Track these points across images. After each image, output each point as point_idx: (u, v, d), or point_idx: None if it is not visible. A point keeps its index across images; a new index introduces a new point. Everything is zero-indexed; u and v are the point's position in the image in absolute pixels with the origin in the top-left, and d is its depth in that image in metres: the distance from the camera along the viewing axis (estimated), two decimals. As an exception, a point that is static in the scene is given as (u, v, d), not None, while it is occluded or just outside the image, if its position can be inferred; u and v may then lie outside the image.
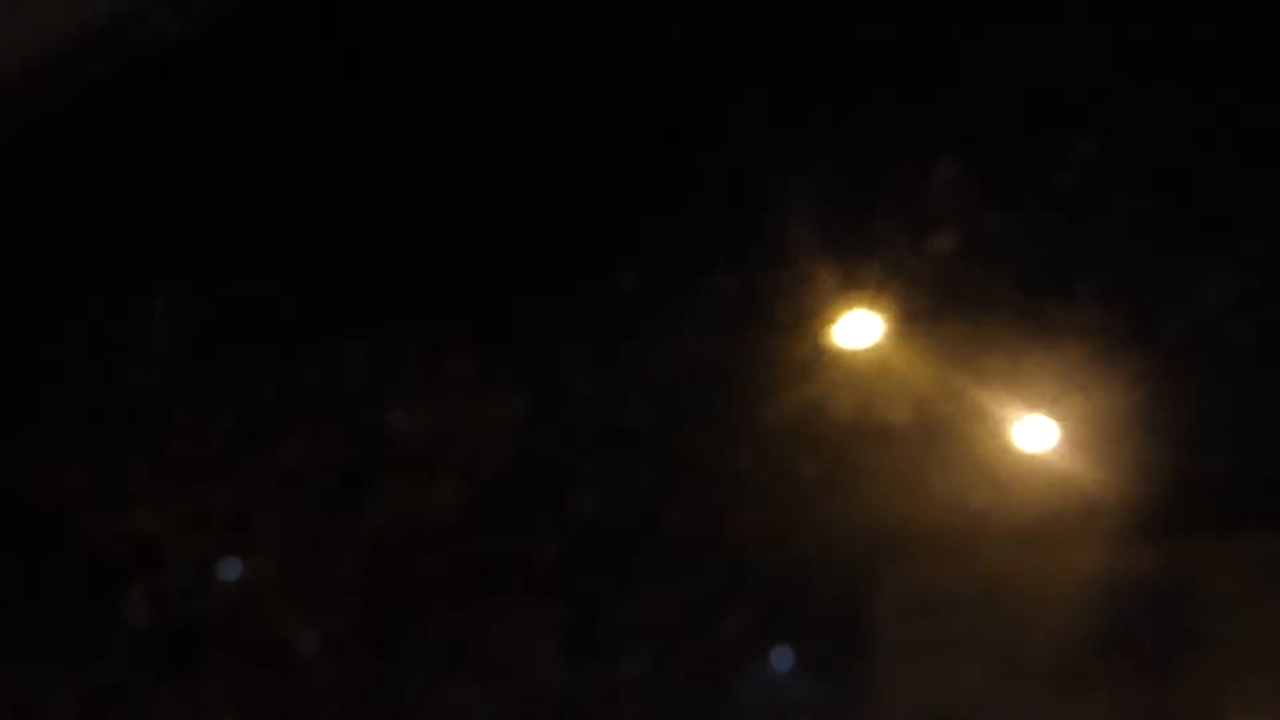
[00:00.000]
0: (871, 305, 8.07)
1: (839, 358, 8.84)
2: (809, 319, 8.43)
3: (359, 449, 6.69)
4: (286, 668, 6.80)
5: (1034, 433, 10.18)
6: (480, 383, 6.90)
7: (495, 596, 7.31)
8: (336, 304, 7.98)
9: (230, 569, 6.55)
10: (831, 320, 8.29)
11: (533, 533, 7.97)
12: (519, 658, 7.65)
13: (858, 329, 8.56)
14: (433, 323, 7.11)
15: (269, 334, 7.45)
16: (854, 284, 8.14)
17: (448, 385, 6.87)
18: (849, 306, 8.04)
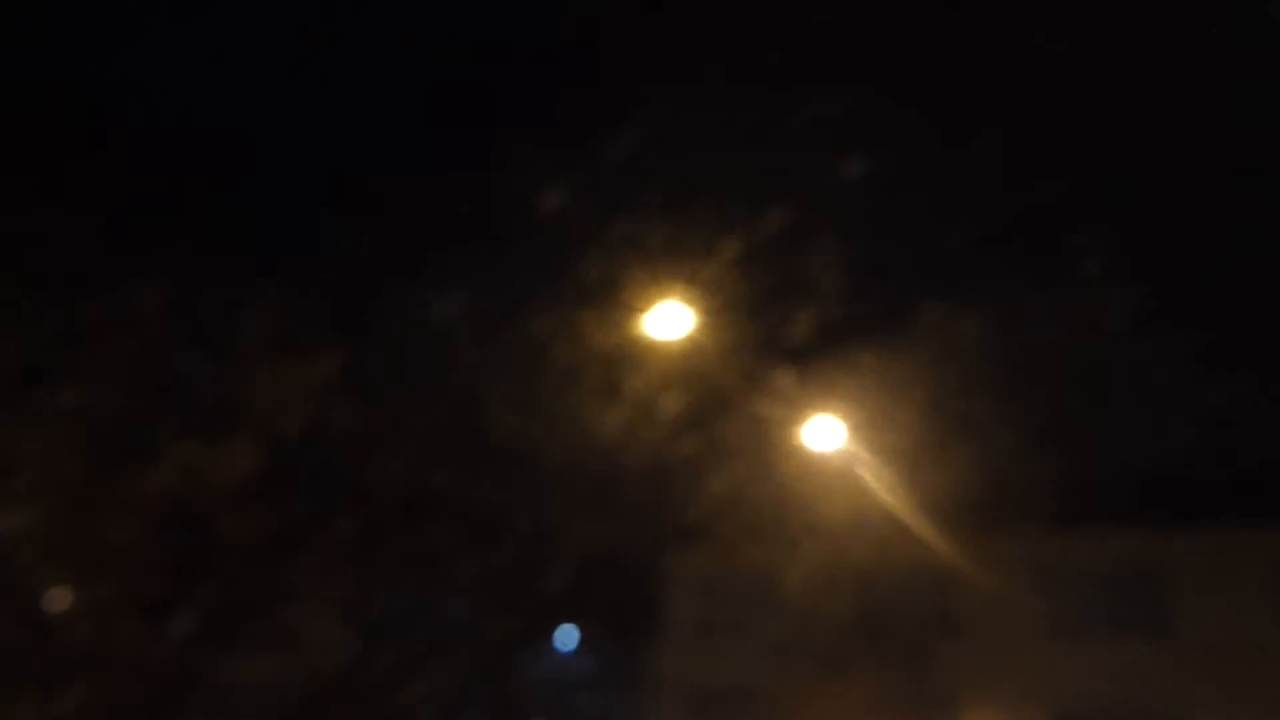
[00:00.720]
0: (680, 299, 8.24)
1: (644, 349, 9.00)
2: (617, 310, 8.51)
3: (148, 399, 6.27)
4: (41, 628, 6.27)
5: (821, 431, 10.67)
6: (287, 343, 6.63)
7: (284, 565, 7.04)
8: (133, 244, 7.36)
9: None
10: (640, 311, 8.43)
11: (328, 502, 7.66)
12: (305, 630, 7.35)
13: (664, 322, 8.73)
14: (241, 276, 6.73)
15: (48, 270, 6.81)
16: (662, 280, 8.31)
17: (252, 342, 6.56)
18: (657, 299, 8.18)
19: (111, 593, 6.51)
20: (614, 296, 9.28)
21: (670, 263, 8.76)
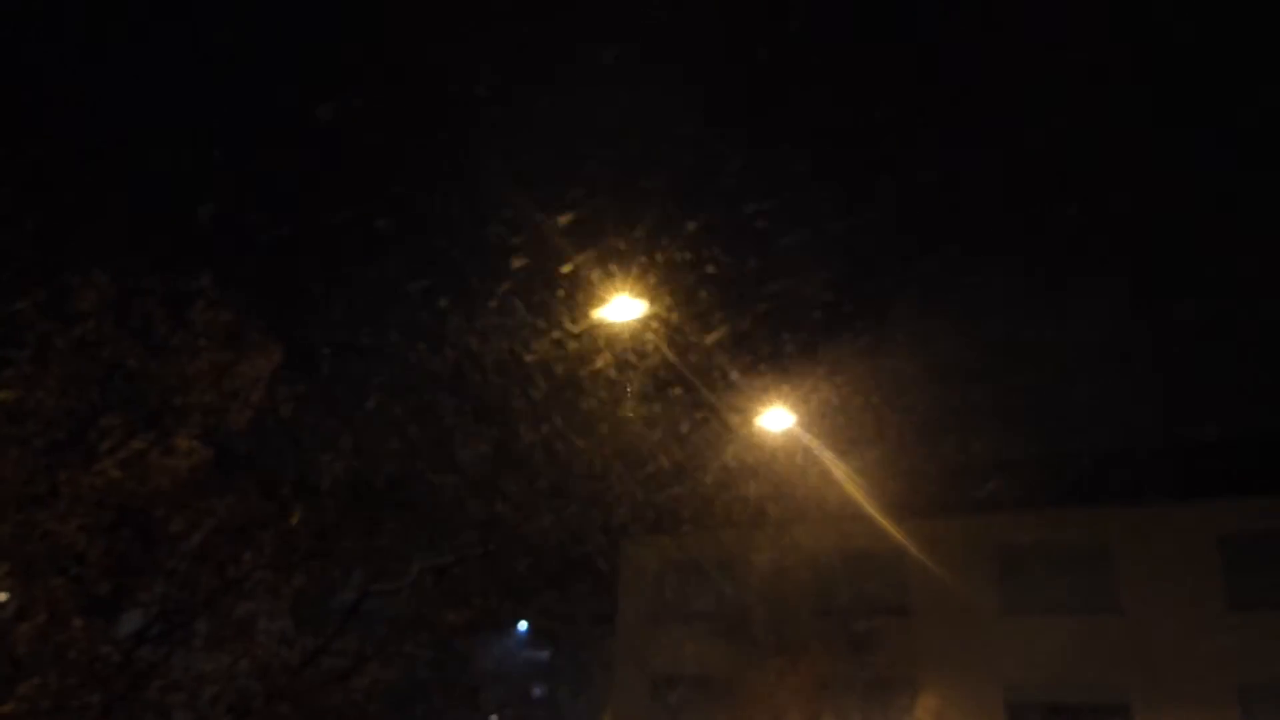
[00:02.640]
0: (635, 293, 8.37)
1: (602, 339, 9.08)
2: (574, 301, 8.59)
3: (90, 394, 6.20)
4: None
5: (773, 420, 10.90)
6: (231, 337, 6.58)
7: (231, 562, 6.98)
8: (71, 237, 7.27)
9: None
10: (598, 304, 8.53)
11: (277, 496, 7.61)
12: (253, 625, 7.30)
13: (620, 312, 8.83)
14: (183, 266, 6.66)
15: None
16: (618, 272, 8.41)
17: (195, 333, 6.50)
18: (614, 292, 8.29)
19: (57, 591, 6.45)
20: (568, 287, 9.37)
21: (625, 258, 8.86)
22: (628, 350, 9.33)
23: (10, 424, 6.48)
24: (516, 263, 8.66)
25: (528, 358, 9.03)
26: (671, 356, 9.65)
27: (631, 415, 9.75)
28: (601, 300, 8.89)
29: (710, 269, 9.25)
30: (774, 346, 10.65)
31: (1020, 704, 19.25)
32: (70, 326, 6.55)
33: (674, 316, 9.28)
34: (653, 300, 9.04)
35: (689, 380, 10.14)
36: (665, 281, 9.03)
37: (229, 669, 7.45)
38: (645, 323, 9.23)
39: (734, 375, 10.50)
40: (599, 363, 9.24)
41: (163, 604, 7.32)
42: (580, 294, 8.76)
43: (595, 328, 9.14)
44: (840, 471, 13.86)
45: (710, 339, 9.79)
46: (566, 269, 8.65)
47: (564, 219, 8.61)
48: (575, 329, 8.90)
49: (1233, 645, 17.05)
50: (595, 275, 8.53)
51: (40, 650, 6.39)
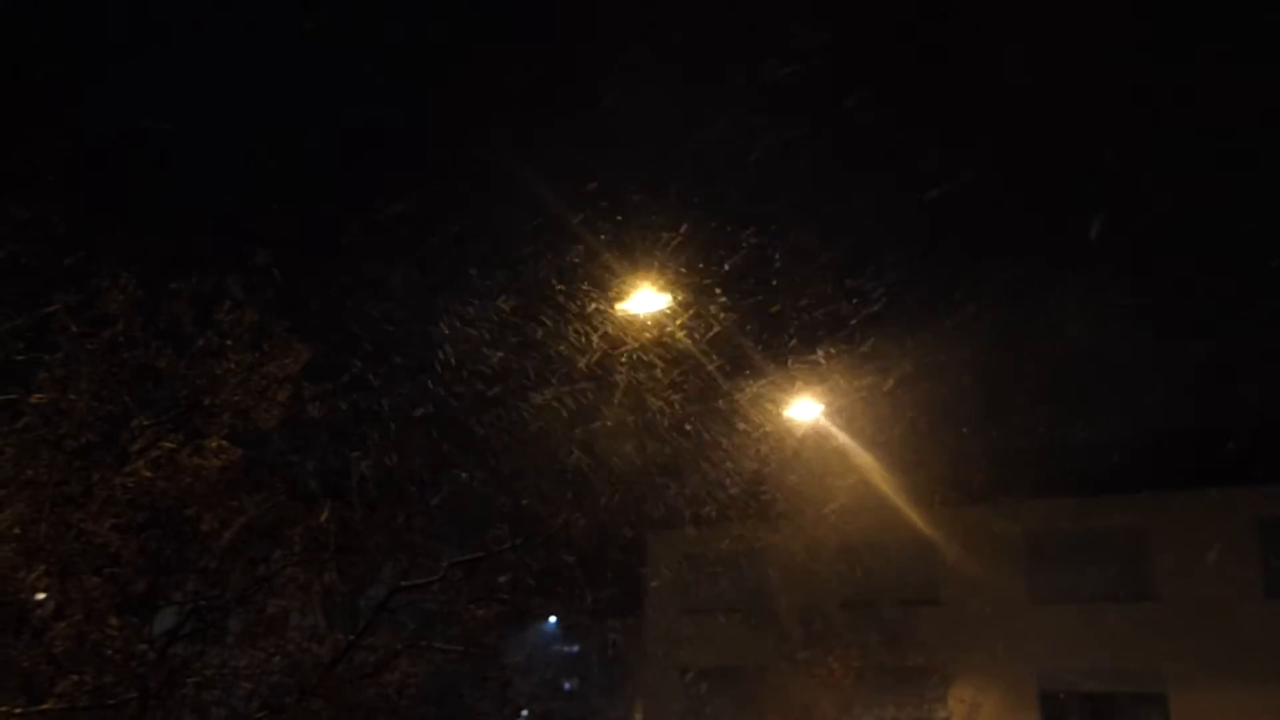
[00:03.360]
0: (660, 285, 8.35)
1: (628, 332, 9.07)
2: (600, 294, 8.57)
3: (120, 395, 6.26)
4: (22, 628, 6.26)
5: (802, 412, 10.84)
6: (257, 336, 6.62)
7: (261, 559, 7.03)
8: (100, 239, 7.32)
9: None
10: (623, 297, 8.51)
11: (303, 494, 7.65)
12: (284, 622, 7.36)
13: (645, 305, 8.81)
14: (211, 267, 6.71)
15: (14, 267, 6.74)
16: (643, 264, 8.39)
17: (222, 334, 6.55)
18: (639, 285, 8.28)
19: (93, 590, 6.53)
20: (594, 282, 9.36)
21: (649, 251, 8.84)
22: (653, 343, 9.31)
23: (44, 426, 6.56)
24: (541, 254, 8.68)
25: (552, 351, 9.05)
26: (698, 349, 9.63)
27: (657, 408, 9.73)
28: (627, 293, 8.88)
29: (735, 260, 9.22)
30: (800, 338, 10.60)
31: (1054, 693, 19.11)
32: (100, 329, 6.63)
33: (700, 308, 9.25)
34: (678, 292, 9.02)
35: (715, 372, 10.11)
36: (691, 273, 9.01)
37: (262, 665, 7.52)
38: (670, 315, 9.21)
39: (761, 366, 10.46)
40: (624, 356, 9.23)
41: (195, 602, 7.40)
42: (606, 286, 8.76)
43: (621, 320, 9.13)
44: (868, 461, 13.78)
45: (736, 330, 9.76)
46: (592, 261, 8.66)
47: (587, 212, 8.62)
48: (601, 322, 8.90)
49: (1273, 631, 16.82)
50: (620, 267, 8.52)
51: (77, 648, 6.47)
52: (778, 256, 9.94)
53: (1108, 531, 19.47)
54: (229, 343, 7.10)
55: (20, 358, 6.68)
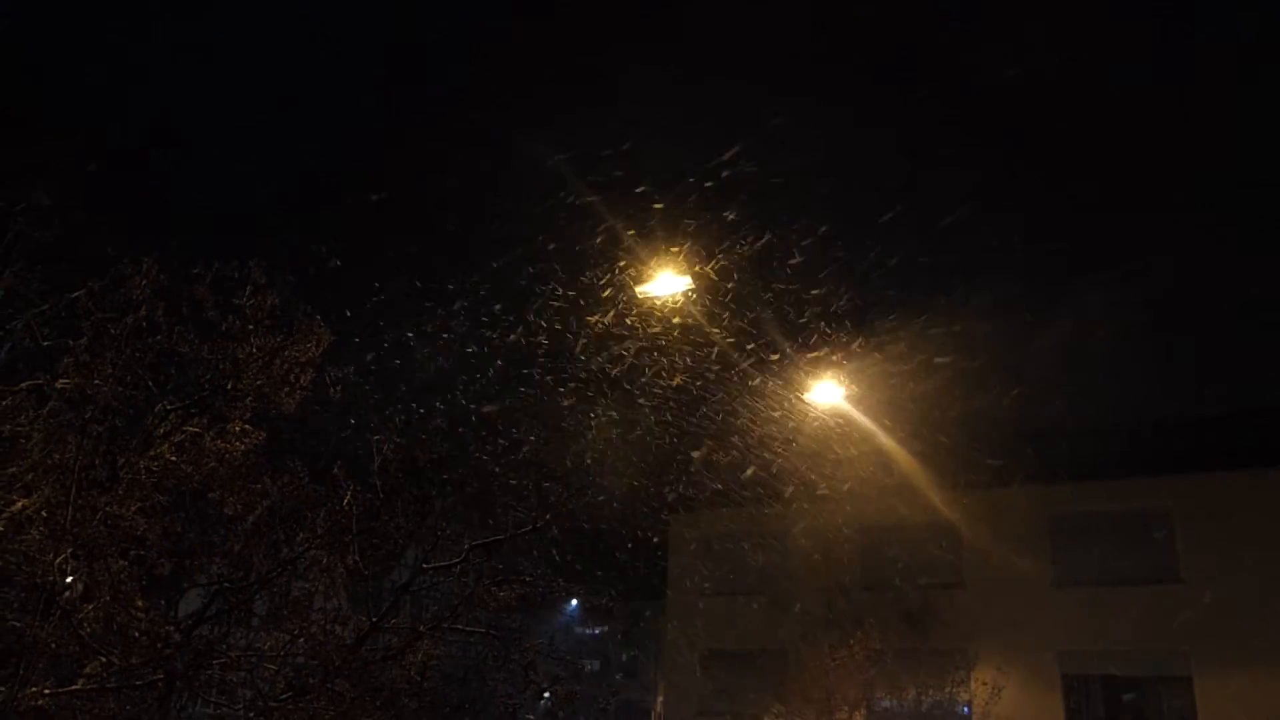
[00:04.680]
0: (681, 270, 8.33)
1: (650, 315, 9.07)
2: (623, 278, 8.56)
3: (145, 380, 6.30)
4: (50, 609, 6.33)
5: (824, 395, 10.81)
6: (280, 319, 6.64)
7: (285, 542, 7.08)
8: (124, 225, 7.38)
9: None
10: (645, 280, 8.51)
11: (326, 477, 7.69)
12: (308, 604, 7.42)
13: (667, 287, 8.80)
14: (233, 252, 6.73)
15: (41, 254, 6.80)
16: (664, 252, 8.39)
17: (245, 319, 6.57)
18: (660, 269, 8.27)
19: (120, 573, 6.59)
20: (618, 264, 9.34)
21: (673, 238, 8.81)
22: (675, 327, 9.28)
23: (70, 411, 6.62)
24: (563, 239, 8.66)
25: (576, 334, 9.04)
26: (719, 331, 9.59)
27: (679, 391, 9.72)
28: (649, 276, 8.85)
29: (758, 243, 9.15)
30: (823, 322, 10.54)
31: (1077, 675, 19.04)
32: (124, 315, 6.66)
33: (722, 292, 9.21)
34: (700, 276, 8.98)
35: (736, 355, 10.07)
36: (714, 257, 8.96)
37: (286, 647, 7.58)
38: (693, 298, 9.18)
39: (782, 350, 10.42)
40: (645, 340, 9.21)
41: (220, 584, 7.46)
42: (629, 270, 8.73)
43: (644, 304, 9.10)
44: (890, 444, 13.72)
45: (757, 313, 9.71)
46: (613, 245, 8.63)
47: (609, 196, 8.58)
48: (625, 306, 8.88)
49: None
50: (642, 251, 8.49)
51: (105, 630, 6.54)
52: (805, 239, 9.89)
53: (1131, 514, 19.33)
54: (251, 327, 7.13)
55: (46, 343, 6.73)
